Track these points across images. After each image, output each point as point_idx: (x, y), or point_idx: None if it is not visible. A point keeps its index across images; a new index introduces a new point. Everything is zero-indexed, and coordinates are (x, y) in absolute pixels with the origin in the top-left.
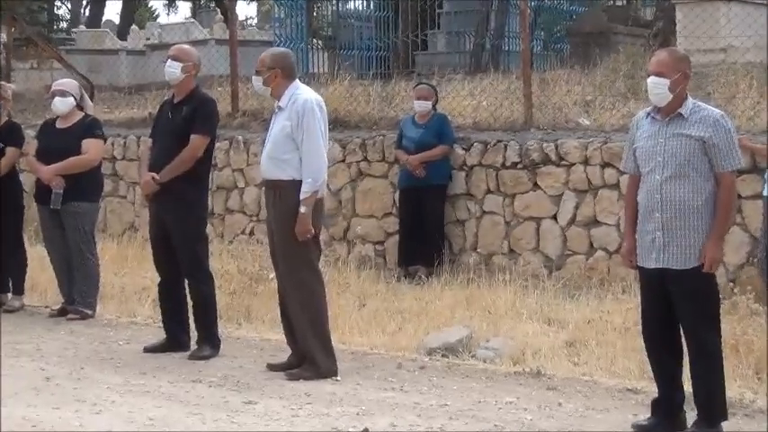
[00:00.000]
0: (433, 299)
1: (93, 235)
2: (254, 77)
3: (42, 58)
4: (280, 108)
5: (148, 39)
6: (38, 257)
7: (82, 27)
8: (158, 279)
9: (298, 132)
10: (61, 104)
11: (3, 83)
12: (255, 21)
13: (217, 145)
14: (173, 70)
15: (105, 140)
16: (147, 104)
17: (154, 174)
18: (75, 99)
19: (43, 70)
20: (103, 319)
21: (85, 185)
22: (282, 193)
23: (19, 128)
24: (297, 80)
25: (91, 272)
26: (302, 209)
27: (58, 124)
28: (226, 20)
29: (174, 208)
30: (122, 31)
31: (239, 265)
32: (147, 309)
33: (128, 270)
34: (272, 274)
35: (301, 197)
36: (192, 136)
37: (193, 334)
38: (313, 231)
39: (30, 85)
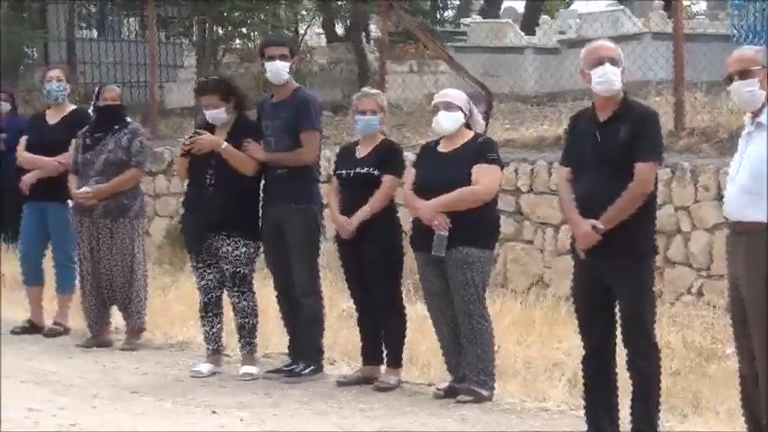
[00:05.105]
0: None
1: (484, 292)
2: (739, 82)
3: (424, 57)
4: (759, 125)
5: (563, 32)
6: (417, 319)
7: (476, 17)
8: (581, 352)
9: None
10: (448, 121)
11: (367, 90)
12: (704, 7)
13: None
14: (614, 78)
15: (503, 167)
16: (562, 119)
17: (595, 222)
18: (465, 115)
19: (425, 74)
20: (504, 403)
21: (477, 227)
22: (760, 242)
23: (399, 151)
24: None
25: (485, 341)
26: None
27: (441, 147)
28: (667, 7)
29: (615, 260)
30: (528, 23)
31: (684, 335)
32: (560, 391)
33: (535, 338)
34: (729, 350)
35: None
36: (639, 164)
37: (625, 426)
38: None
39: (408, 93)
